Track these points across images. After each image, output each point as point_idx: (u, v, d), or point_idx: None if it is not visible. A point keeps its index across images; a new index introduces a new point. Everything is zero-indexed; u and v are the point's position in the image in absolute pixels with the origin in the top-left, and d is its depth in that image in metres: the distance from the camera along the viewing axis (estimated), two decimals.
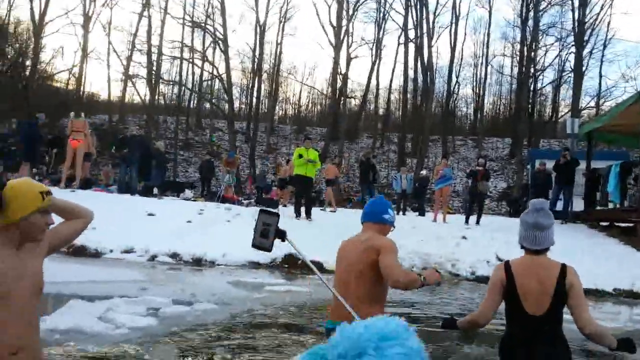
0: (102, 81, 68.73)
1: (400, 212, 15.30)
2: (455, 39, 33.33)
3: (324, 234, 9.83)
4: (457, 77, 35.72)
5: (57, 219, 2.15)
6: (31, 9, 33.51)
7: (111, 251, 8.19)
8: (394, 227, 3.19)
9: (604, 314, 6.07)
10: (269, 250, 2.84)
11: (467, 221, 12.47)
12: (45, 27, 34.05)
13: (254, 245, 2.84)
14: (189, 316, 5.12)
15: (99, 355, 3.81)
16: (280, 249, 8.21)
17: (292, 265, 8.85)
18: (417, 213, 16.14)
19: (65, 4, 56.87)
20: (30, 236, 1.93)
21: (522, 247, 2.81)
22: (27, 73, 34.32)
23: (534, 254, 2.76)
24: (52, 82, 38.18)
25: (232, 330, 4.80)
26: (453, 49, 33.32)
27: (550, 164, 13.21)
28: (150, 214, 10.31)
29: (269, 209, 3.31)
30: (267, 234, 2.80)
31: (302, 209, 11.47)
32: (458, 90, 37.69)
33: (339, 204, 20.99)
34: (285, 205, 14.47)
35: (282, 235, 2.82)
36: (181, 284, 6.77)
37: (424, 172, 19.69)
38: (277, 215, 2.89)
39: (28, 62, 34.98)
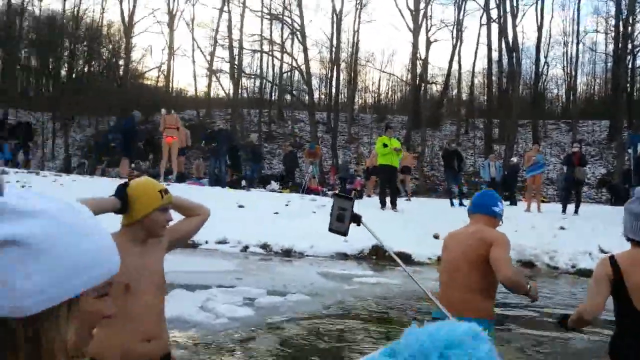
0: (189, 77, 71.84)
1: None
2: (542, 16, 31.47)
3: (411, 225, 9.68)
4: (545, 57, 33.76)
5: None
6: (121, 10, 35.52)
7: (206, 242, 8.54)
8: (502, 222, 3.07)
9: None
10: (345, 234, 2.84)
11: (564, 210, 11.78)
12: (134, 27, 35.98)
13: (331, 230, 2.86)
14: (282, 307, 5.21)
15: (203, 342, 3.95)
16: (368, 240, 8.17)
17: (380, 257, 8.78)
18: (508, 202, 15.47)
19: (151, 3, 59.65)
20: (152, 233, 2.06)
21: (629, 239, 2.55)
22: (121, 72, 36.56)
23: None
24: (143, 80, 40.49)
25: (325, 322, 4.82)
26: (540, 28, 31.50)
27: None
28: (240, 206, 10.63)
29: (343, 194, 3.39)
30: (342, 218, 2.82)
31: (387, 199, 11.36)
32: (547, 71, 35.66)
33: (424, 194, 20.62)
34: (369, 196, 14.40)
35: (357, 220, 2.83)
36: (272, 274, 6.92)
37: (514, 159, 18.82)
38: (352, 199, 2.90)
39: (121, 62, 37.28)
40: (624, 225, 2.57)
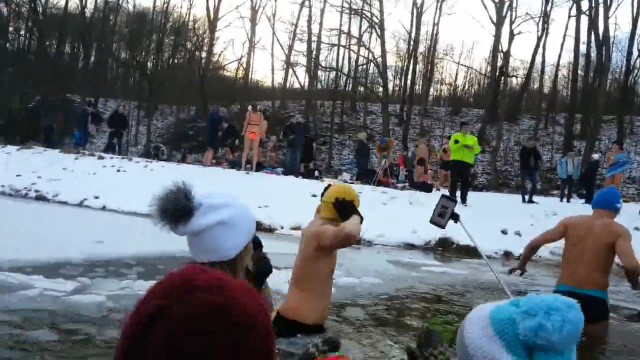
0: (266, 69, 73.63)
1: (565, 199, 14.46)
2: (639, 6, 29.64)
3: (479, 219, 9.80)
4: (638, 50, 31.82)
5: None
6: (207, 5, 37.12)
7: (282, 227, 9.12)
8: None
9: None
10: (443, 227, 3.50)
11: None
12: (218, 21, 37.47)
13: (432, 222, 3.50)
14: (358, 287, 5.64)
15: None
16: (436, 232, 8.44)
17: (446, 249, 9.02)
18: (583, 200, 15.05)
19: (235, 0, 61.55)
20: None
21: None
22: (203, 64, 38.30)
23: None
24: (222, 72, 42.18)
25: (400, 302, 5.22)
26: (635, 19, 29.67)
27: None
28: (313, 195, 11.16)
29: (449, 195, 4.02)
30: (443, 214, 3.44)
31: (458, 193, 11.50)
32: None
33: (495, 189, 20.32)
34: (438, 189, 14.51)
35: (456, 218, 3.43)
36: (344, 259, 7.34)
37: (595, 155, 18.12)
38: (455, 201, 3.69)
39: (203, 54, 39.04)
40: None
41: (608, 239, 3.96)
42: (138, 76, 40.46)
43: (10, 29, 39.63)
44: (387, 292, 5.53)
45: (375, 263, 7.33)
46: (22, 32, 40.88)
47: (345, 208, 2.82)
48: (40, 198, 11.20)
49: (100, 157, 14.26)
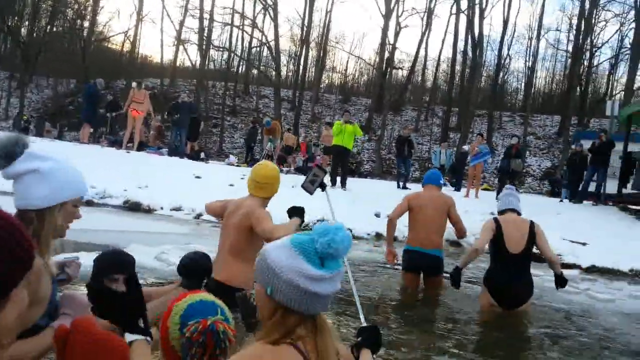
0: (156, 44, 70.44)
1: None
2: (509, 10, 32.56)
3: (357, 203, 10.43)
4: (508, 50, 34.99)
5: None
6: None
7: (162, 208, 9.03)
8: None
9: (609, 289, 6.43)
10: (312, 193, 3.94)
11: (497, 197, 12.77)
12: None
13: (302, 186, 3.91)
14: None
15: (156, 284, 4.58)
16: (314, 214, 8.85)
17: None
18: (453, 188, 16.46)
19: None
20: None
21: (502, 211, 4.85)
22: (85, 35, 35.85)
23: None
24: (107, 44, 39.82)
25: None
26: (506, 22, 32.60)
27: (587, 145, 13.25)
28: (197, 177, 11.15)
29: (321, 166, 4.44)
30: (313, 182, 3.86)
31: (338, 178, 12.09)
32: (509, 64, 36.96)
33: (379, 176, 21.44)
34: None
35: (323, 187, 3.88)
36: None
37: (465, 147, 19.84)
38: (326, 172, 4.16)
39: (86, 24, 36.54)
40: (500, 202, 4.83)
41: (445, 206, 5.34)
42: (10, 43, 36.94)
43: None
44: None
45: None
46: None
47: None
48: None
49: None
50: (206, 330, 1.41)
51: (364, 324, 2.43)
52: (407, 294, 5.41)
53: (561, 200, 14.10)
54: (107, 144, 14.48)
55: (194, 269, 2.26)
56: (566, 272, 4.92)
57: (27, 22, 37.40)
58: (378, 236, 9.35)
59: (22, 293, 0.96)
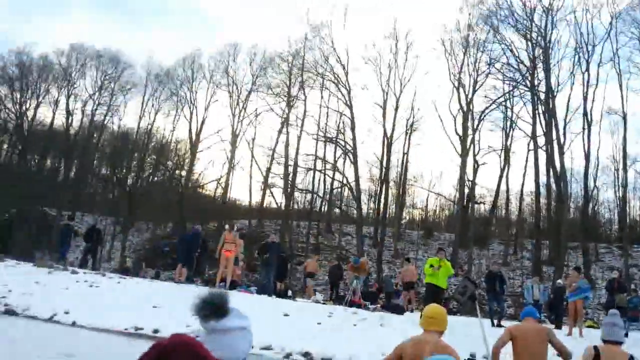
0: (244, 189, 75.12)
1: None
2: (589, 144, 32.15)
3: (450, 340, 9.98)
4: (594, 182, 33.97)
5: None
6: (189, 129, 39.03)
7: (252, 347, 9.14)
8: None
9: None
10: (461, 304, 4.39)
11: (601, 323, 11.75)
12: (199, 143, 39.14)
13: (453, 298, 4.57)
14: None
15: None
16: None
17: None
18: (553, 326, 15.31)
19: (217, 124, 64.64)
20: None
21: (605, 341, 4.59)
22: (182, 182, 39.29)
23: None
24: (202, 190, 43.15)
25: None
26: (587, 155, 32.08)
27: None
28: (285, 314, 11.27)
29: (470, 277, 4.72)
30: (463, 292, 4.08)
31: None
32: (598, 195, 35.69)
33: (468, 313, 20.46)
34: (412, 311, 14.67)
35: (473, 298, 4.07)
36: None
37: (560, 281, 18.75)
38: (476, 284, 4.42)
39: (183, 173, 40.20)
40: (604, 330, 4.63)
41: (543, 335, 5.78)
42: (117, 192, 41.12)
43: None
44: None
45: None
46: (5, 147, 41.91)
47: None
48: (10, 312, 11.04)
49: (74, 272, 14.24)
50: None
51: None
52: None
53: None
54: (201, 283, 15.15)
55: None
56: None
57: (133, 173, 41.83)
58: None
59: None
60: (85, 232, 17.52)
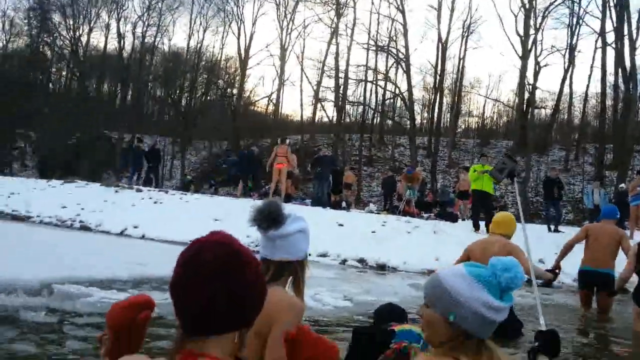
0: (295, 104, 75.24)
1: None
2: None
3: None
4: None
5: None
6: (238, 45, 38.68)
7: (309, 255, 9.55)
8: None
9: None
10: (499, 181, 4.41)
11: None
12: (249, 59, 38.89)
13: (491, 174, 4.68)
14: (377, 304, 6.01)
15: (312, 319, 4.89)
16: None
17: None
18: None
19: (265, 39, 63.81)
20: None
21: None
22: (234, 101, 39.64)
23: None
24: (253, 108, 43.51)
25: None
26: None
27: None
28: (340, 224, 11.60)
29: (510, 155, 4.58)
30: (502, 170, 3.91)
31: (482, 223, 11.74)
32: None
33: (526, 220, 20.26)
34: (464, 219, 14.73)
35: (512, 176, 3.96)
36: (368, 283, 7.74)
37: (623, 185, 18.08)
38: (516, 161, 4.30)
39: (235, 91, 40.44)
40: None
41: (615, 236, 6.32)
42: (173, 113, 42.10)
43: (53, 69, 42.05)
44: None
45: (396, 286, 7.67)
46: (64, 73, 43.25)
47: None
48: (85, 228, 11.94)
49: (139, 190, 15.03)
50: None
51: (543, 328, 2.29)
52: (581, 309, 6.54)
53: None
54: (257, 197, 15.67)
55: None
56: None
57: (186, 94, 42.49)
58: (529, 282, 8.90)
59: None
60: (147, 152, 18.26)
